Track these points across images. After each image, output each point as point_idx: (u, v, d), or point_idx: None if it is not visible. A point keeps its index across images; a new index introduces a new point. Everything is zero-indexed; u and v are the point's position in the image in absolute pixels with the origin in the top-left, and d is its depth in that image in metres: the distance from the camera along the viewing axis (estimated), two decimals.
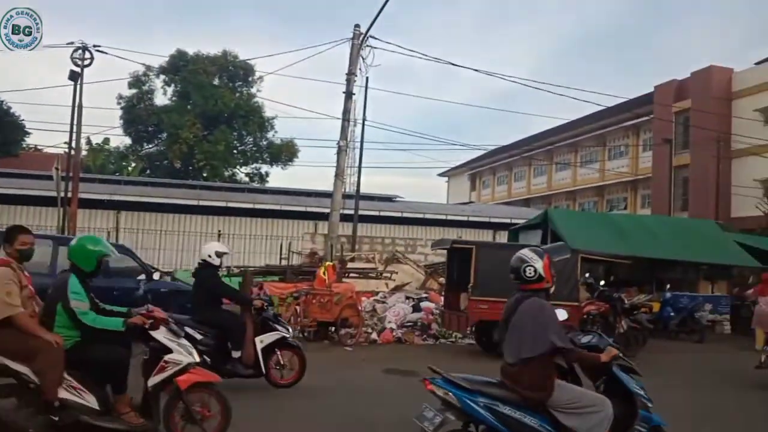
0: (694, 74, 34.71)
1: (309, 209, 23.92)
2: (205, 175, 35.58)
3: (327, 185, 17.85)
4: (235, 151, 38.11)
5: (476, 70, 23.10)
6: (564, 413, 3.70)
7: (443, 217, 26.41)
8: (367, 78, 20.09)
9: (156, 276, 11.26)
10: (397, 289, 15.44)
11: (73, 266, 4.54)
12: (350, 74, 15.72)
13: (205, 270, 7.04)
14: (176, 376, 4.55)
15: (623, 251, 14.79)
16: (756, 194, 27.60)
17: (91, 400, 4.31)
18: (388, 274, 16.27)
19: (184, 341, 4.77)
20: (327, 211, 17.12)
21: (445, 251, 13.26)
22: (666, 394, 7.52)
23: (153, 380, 4.53)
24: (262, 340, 6.92)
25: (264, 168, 40.09)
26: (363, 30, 15.44)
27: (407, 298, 14.16)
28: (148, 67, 34.42)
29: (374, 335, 12.10)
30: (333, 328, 11.59)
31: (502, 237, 22.75)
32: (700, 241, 16.82)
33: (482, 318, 10.66)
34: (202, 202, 23.04)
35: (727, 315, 15.92)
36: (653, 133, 37.07)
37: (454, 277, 12.32)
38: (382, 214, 25.25)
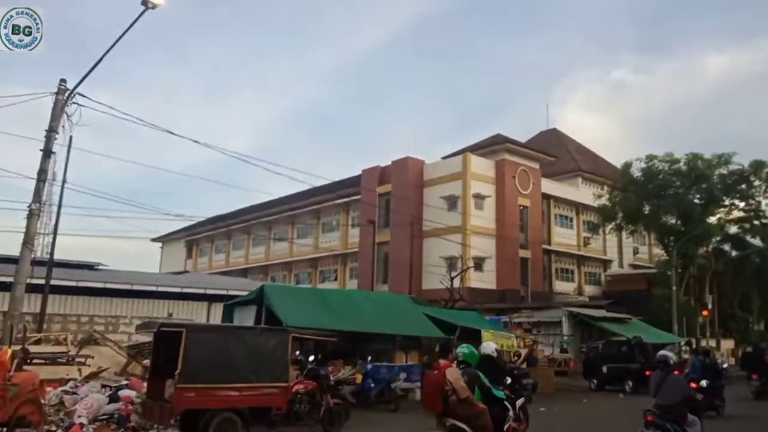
0: (395, 162, 39.71)
1: None
2: None
3: (11, 250, 15.09)
4: None
5: (196, 142, 22.66)
6: (689, 428, 7.74)
7: (154, 288, 24.67)
8: (71, 137, 18.17)
9: None
10: (93, 376, 13.67)
11: (466, 362, 7.12)
12: (51, 131, 13.95)
13: (491, 363, 9.07)
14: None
15: (332, 326, 15.67)
16: (441, 271, 32.13)
17: None
18: (82, 359, 14.34)
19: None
20: (8, 280, 14.32)
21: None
22: None
23: (506, 426, 7.36)
24: (518, 402, 9.70)
25: None
26: (71, 85, 13.99)
27: (103, 386, 12.59)
28: None
29: None
30: (5, 429, 9.63)
31: (218, 310, 22.15)
32: (396, 314, 18.82)
33: (189, 407, 9.99)
34: None
35: (419, 383, 17.78)
36: (360, 211, 40.93)
37: (159, 360, 11.37)
38: (80, 284, 22.48)
